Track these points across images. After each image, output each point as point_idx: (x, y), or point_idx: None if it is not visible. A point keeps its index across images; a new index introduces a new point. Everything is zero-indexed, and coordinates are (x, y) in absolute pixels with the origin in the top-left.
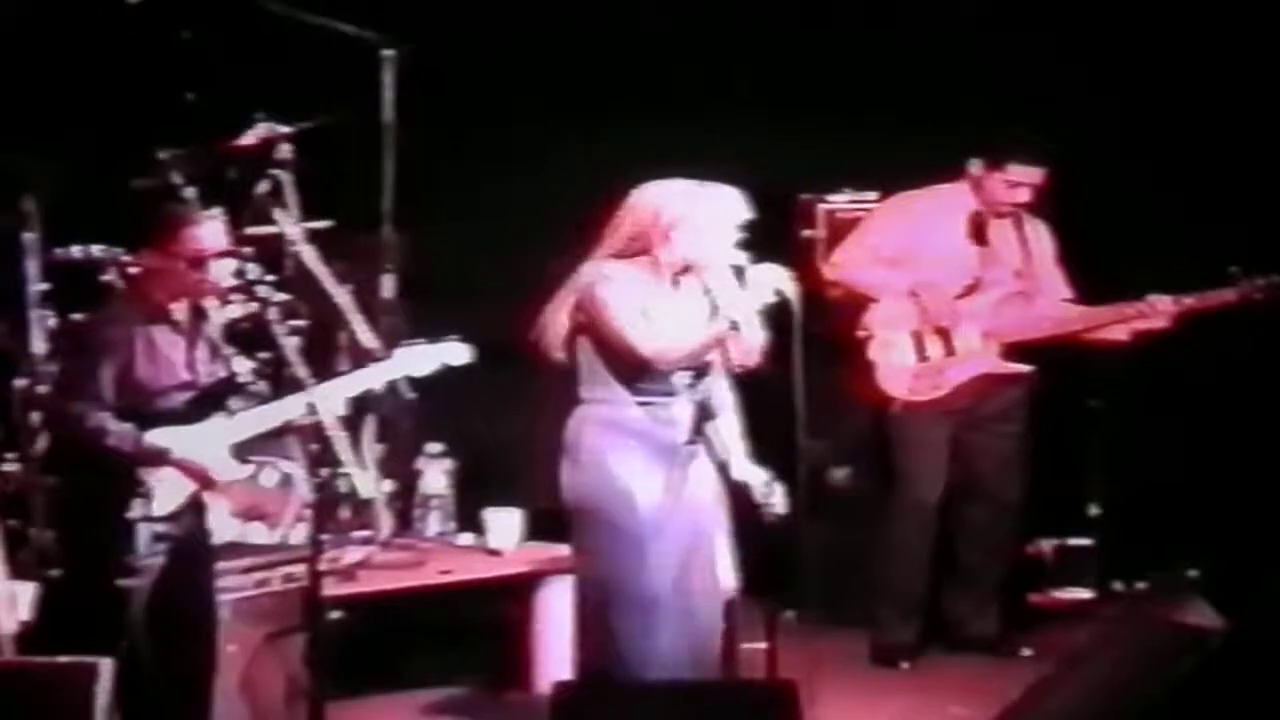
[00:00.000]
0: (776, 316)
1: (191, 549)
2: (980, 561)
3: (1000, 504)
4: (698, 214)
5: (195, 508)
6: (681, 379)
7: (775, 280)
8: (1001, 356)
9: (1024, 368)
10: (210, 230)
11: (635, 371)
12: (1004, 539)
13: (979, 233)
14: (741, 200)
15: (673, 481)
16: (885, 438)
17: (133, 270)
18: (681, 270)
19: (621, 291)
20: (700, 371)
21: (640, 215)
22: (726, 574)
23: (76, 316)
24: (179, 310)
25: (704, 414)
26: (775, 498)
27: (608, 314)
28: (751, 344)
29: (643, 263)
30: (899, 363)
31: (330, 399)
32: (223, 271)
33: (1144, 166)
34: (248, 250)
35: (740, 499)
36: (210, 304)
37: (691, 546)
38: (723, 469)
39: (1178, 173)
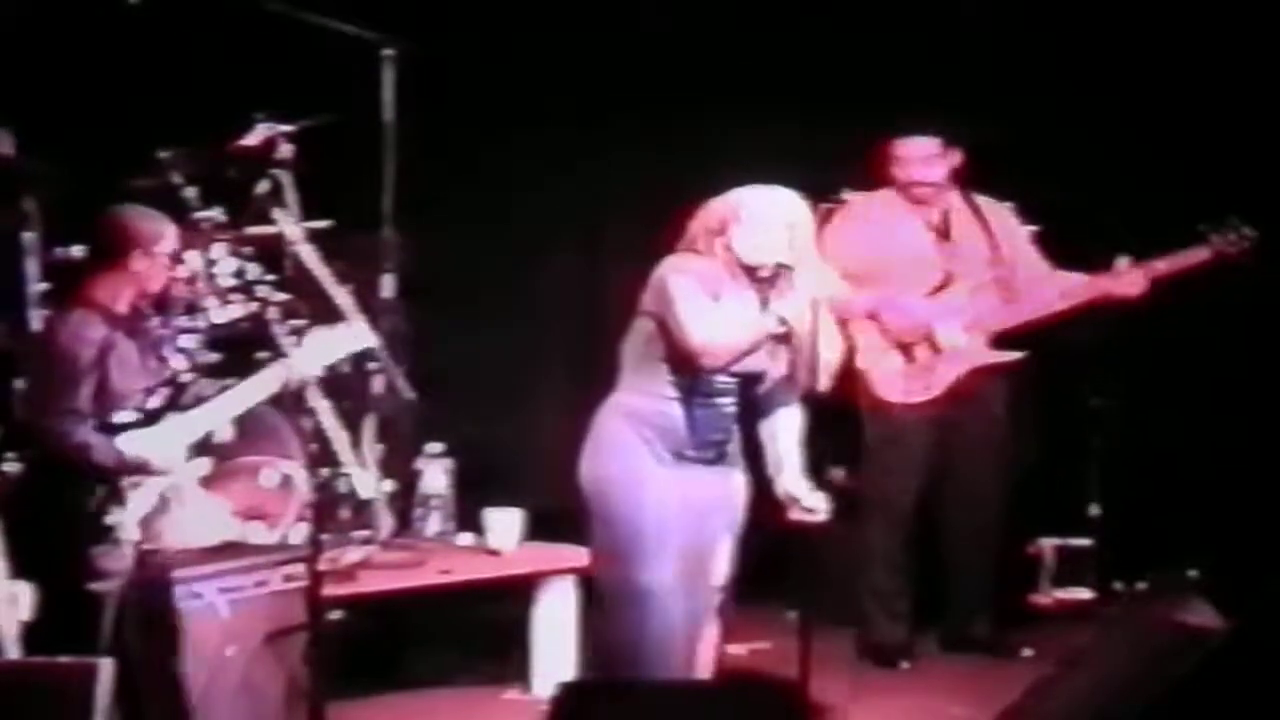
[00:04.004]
0: None
1: (158, 550)
2: (970, 561)
3: (985, 504)
4: (754, 212)
5: (160, 510)
6: (726, 384)
7: (819, 279)
8: (989, 347)
9: (1013, 355)
10: (151, 228)
11: (683, 365)
12: (992, 538)
13: (937, 229)
14: (796, 200)
15: (687, 481)
16: (866, 437)
17: (86, 277)
18: (747, 272)
19: (692, 281)
20: (750, 379)
21: (702, 217)
22: (719, 577)
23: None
24: (129, 314)
25: (743, 422)
26: (820, 508)
27: (674, 301)
28: (820, 363)
29: (715, 260)
30: (889, 367)
31: (265, 390)
32: (162, 267)
33: (1102, 134)
34: (248, 250)
35: (774, 508)
36: (211, 303)
37: (693, 546)
38: (769, 479)
39: (1136, 139)
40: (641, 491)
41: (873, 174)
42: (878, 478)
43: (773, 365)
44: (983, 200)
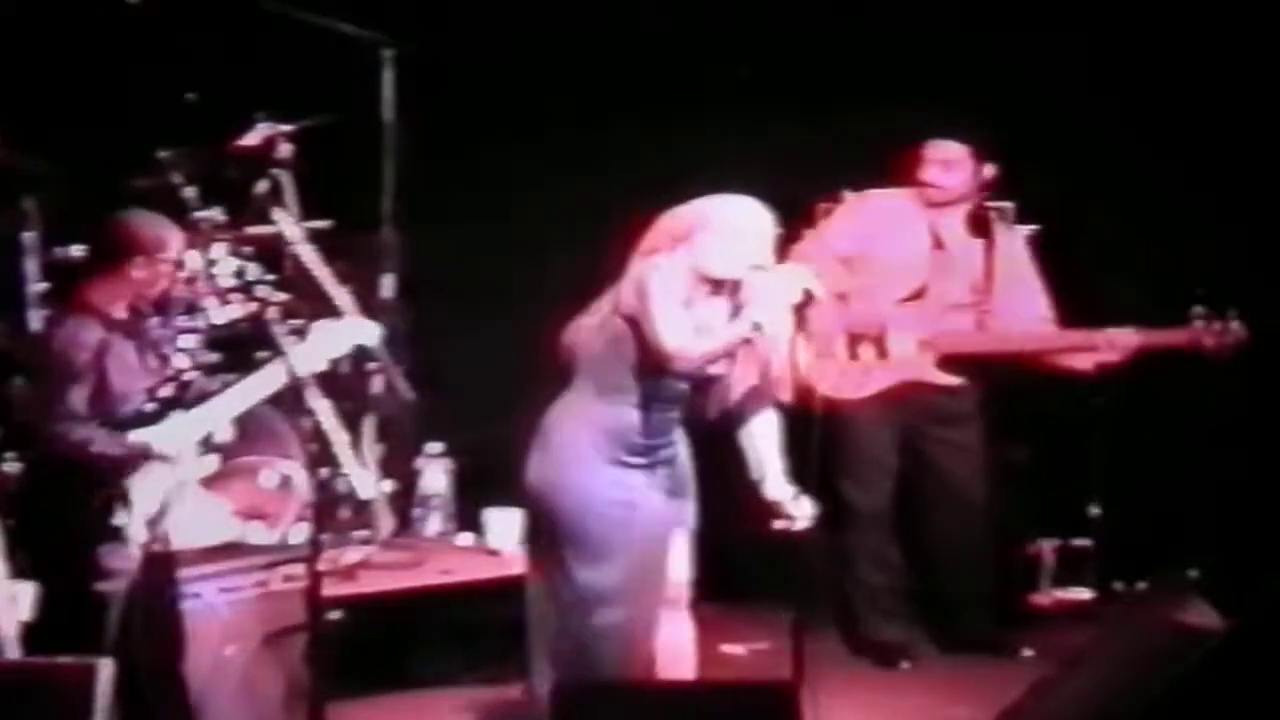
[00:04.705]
0: None
1: (163, 550)
2: (958, 562)
3: (965, 504)
4: (715, 224)
5: (165, 509)
6: (679, 389)
7: (799, 280)
8: (938, 367)
9: (954, 380)
10: (154, 234)
11: (650, 368)
12: (978, 538)
13: (937, 239)
14: (761, 211)
15: (635, 483)
16: (827, 440)
17: (85, 281)
18: (710, 280)
19: (669, 282)
20: (701, 384)
21: (665, 225)
22: (678, 573)
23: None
24: (127, 315)
25: (692, 424)
26: (804, 513)
27: (652, 302)
28: (779, 375)
29: (681, 266)
30: (829, 360)
31: (269, 385)
32: (163, 274)
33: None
34: (248, 250)
35: (762, 511)
36: (211, 303)
37: (644, 547)
38: (754, 485)
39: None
40: (590, 496)
41: (901, 172)
42: (841, 478)
43: (728, 371)
44: (1002, 226)
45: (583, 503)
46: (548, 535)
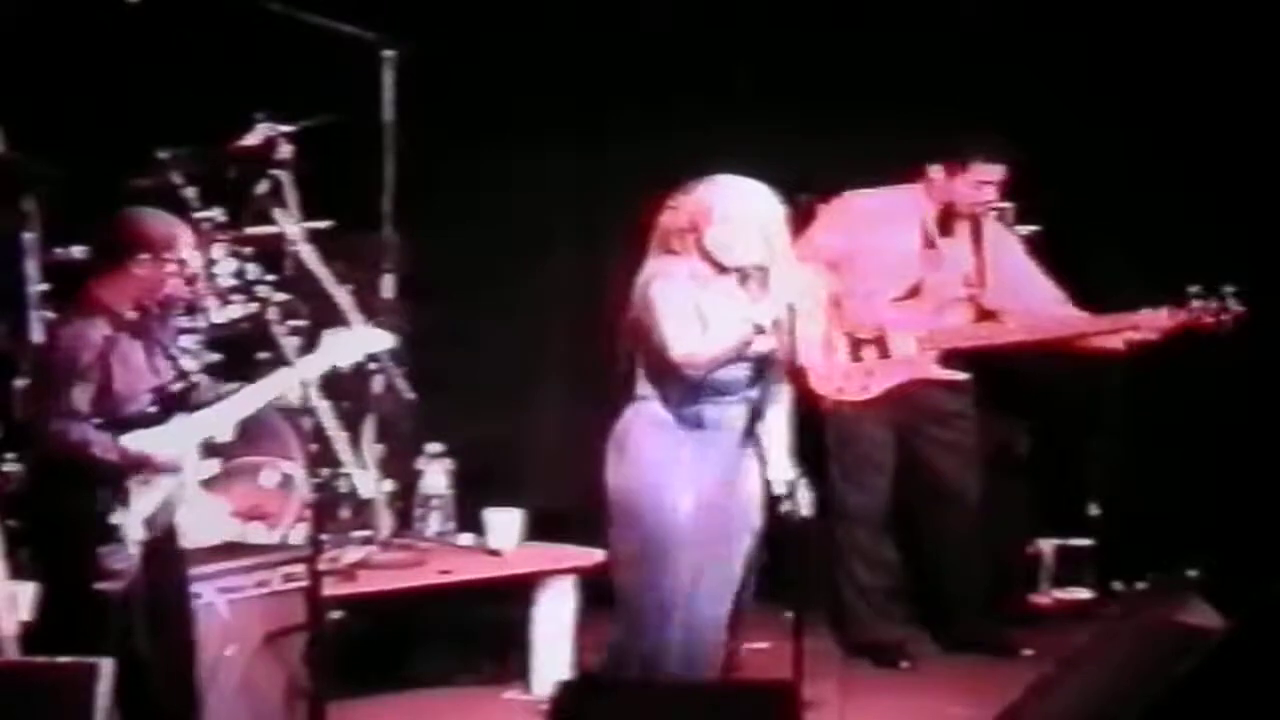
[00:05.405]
0: None
1: (168, 549)
2: (952, 560)
3: (958, 501)
4: (726, 211)
5: (166, 509)
6: (739, 378)
7: (804, 280)
8: (939, 363)
9: (959, 375)
10: (164, 232)
11: (677, 372)
12: (972, 535)
13: (928, 237)
14: (772, 198)
15: (711, 485)
16: (823, 439)
17: (91, 278)
18: (723, 270)
19: (672, 290)
20: (759, 370)
21: (672, 216)
22: (742, 578)
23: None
24: (135, 316)
25: (756, 414)
26: (800, 500)
27: (654, 312)
28: (786, 349)
29: (694, 257)
30: (832, 363)
31: (276, 391)
32: (170, 272)
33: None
34: (248, 250)
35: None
36: (211, 303)
37: (718, 549)
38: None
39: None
40: (667, 498)
41: (919, 178)
42: (838, 479)
43: (780, 347)
44: (990, 220)
45: (661, 507)
46: (626, 539)
